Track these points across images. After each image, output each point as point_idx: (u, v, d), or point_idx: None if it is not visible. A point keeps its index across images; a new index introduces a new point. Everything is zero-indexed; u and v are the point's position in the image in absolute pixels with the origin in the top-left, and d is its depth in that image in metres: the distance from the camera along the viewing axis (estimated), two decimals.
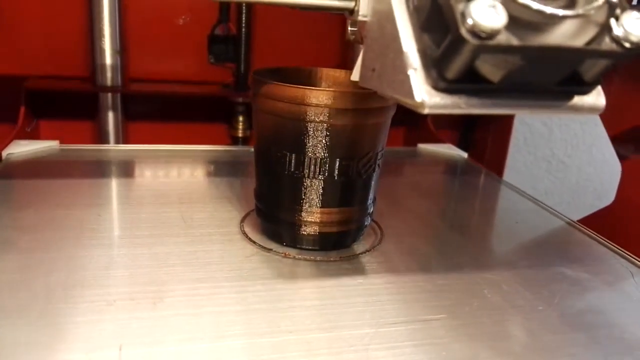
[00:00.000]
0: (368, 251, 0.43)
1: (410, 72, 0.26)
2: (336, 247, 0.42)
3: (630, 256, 0.44)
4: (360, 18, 0.31)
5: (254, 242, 0.42)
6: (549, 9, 0.23)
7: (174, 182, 0.55)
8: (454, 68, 0.24)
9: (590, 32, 0.24)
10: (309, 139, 0.38)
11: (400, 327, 0.33)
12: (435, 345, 0.31)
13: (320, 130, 0.37)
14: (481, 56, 0.23)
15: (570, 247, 0.47)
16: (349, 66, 0.50)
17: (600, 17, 0.24)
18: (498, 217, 0.53)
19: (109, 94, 0.73)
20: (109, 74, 0.71)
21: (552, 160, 1.05)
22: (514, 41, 0.23)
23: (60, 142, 0.64)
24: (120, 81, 0.72)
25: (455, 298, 0.37)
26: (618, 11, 0.24)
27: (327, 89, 0.37)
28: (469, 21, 0.22)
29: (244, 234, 0.44)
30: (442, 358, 0.30)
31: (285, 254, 0.41)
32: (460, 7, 0.22)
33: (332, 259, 0.41)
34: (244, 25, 0.72)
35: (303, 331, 0.32)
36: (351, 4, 0.32)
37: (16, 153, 0.59)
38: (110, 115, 0.74)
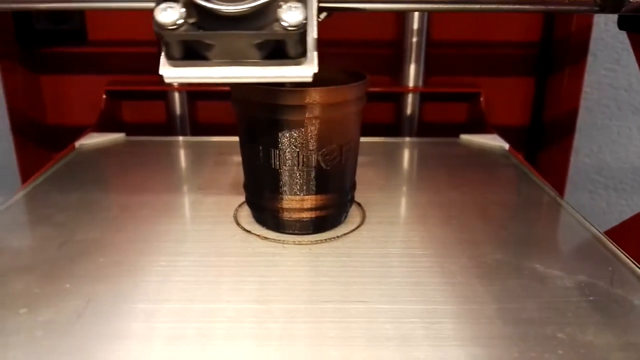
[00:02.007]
0: (344, 235, 0.45)
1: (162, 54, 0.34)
2: (316, 231, 0.45)
3: None
4: None
5: (239, 225, 0.46)
6: (217, 6, 0.31)
7: (219, 170, 0.61)
8: (173, 49, 0.32)
9: (263, 21, 0.32)
10: (277, 134, 0.41)
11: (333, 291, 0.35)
12: None
13: (282, 125, 0.40)
14: (175, 41, 0.32)
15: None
16: None
17: (270, 8, 0.31)
18: (501, 209, 0.52)
19: None
20: None
21: None
22: (192, 31, 0.31)
23: (127, 134, 0.72)
24: None
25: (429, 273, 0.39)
26: (281, 3, 0.31)
27: (282, 88, 0.40)
28: (155, 18, 0.31)
29: (235, 218, 0.48)
30: None
31: (260, 235, 0.44)
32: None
33: (304, 242, 0.44)
34: None
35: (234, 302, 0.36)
36: None
37: (86, 144, 0.68)
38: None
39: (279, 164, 0.42)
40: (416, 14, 0.75)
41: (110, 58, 0.83)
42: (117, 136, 0.71)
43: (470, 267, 0.40)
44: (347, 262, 0.41)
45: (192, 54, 0.33)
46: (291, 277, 0.39)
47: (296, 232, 0.45)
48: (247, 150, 0.44)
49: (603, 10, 0.44)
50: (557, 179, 0.83)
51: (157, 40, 0.74)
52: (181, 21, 0.31)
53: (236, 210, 0.49)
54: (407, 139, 0.77)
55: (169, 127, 0.84)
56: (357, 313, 0.35)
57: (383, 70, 0.82)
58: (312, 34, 0.34)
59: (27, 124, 0.83)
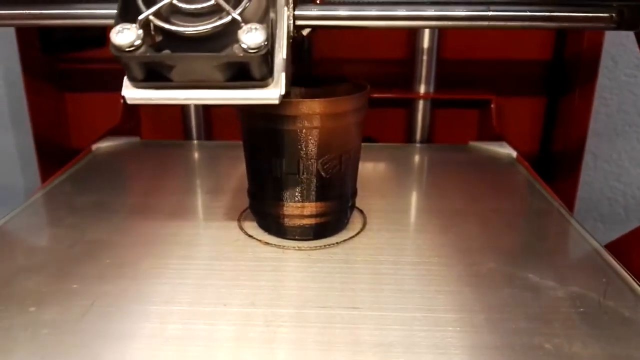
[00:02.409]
0: (344, 241, 0.46)
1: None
2: (316, 237, 0.46)
3: None
4: None
5: (243, 230, 0.47)
6: (176, 27, 0.31)
7: (228, 174, 0.62)
8: (134, 71, 0.33)
9: (224, 42, 0.32)
10: (278, 143, 0.42)
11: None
12: None
13: (283, 135, 0.42)
14: (135, 63, 0.32)
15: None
16: None
17: (230, 30, 0.31)
18: (501, 218, 0.53)
19: None
20: None
21: None
22: (149, 53, 0.31)
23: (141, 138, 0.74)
24: None
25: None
26: (242, 25, 0.31)
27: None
28: (111, 40, 0.31)
29: (239, 222, 0.49)
30: None
31: (262, 240, 0.46)
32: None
33: (303, 248, 0.45)
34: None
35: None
36: None
37: (103, 147, 0.70)
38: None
39: (280, 172, 0.43)
40: (427, 31, 0.75)
41: None
42: (132, 140, 0.73)
43: (464, 276, 0.41)
44: (343, 268, 0.42)
45: (155, 74, 0.33)
46: (287, 282, 0.40)
47: (297, 237, 0.46)
48: (250, 158, 0.45)
49: (620, 27, 0.44)
50: (568, 193, 0.83)
51: None
52: (138, 42, 0.31)
53: (241, 215, 0.50)
54: (415, 145, 0.78)
55: (184, 132, 0.86)
56: (347, 319, 0.36)
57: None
58: (281, 54, 0.34)
59: (48, 131, 0.86)
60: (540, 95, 0.83)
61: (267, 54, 0.31)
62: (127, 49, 0.31)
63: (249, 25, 0.31)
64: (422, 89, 0.78)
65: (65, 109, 0.89)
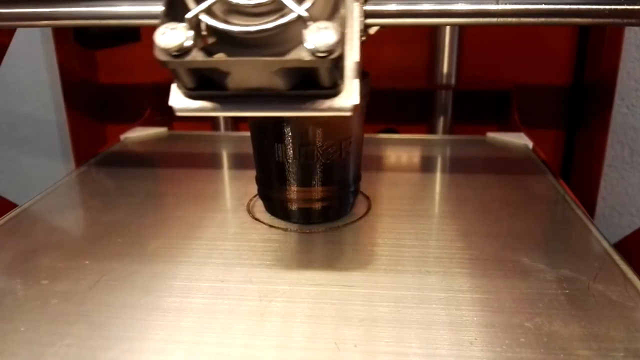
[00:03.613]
0: (346, 225, 0.47)
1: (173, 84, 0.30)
2: (321, 221, 0.48)
3: None
4: None
5: (250, 214, 0.50)
6: (231, 27, 0.27)
7: (246, 163, 0.64)
8: (183, 78, 0.29)
9: (288, 44, 0.27)
10: (280, 129, 0.44)
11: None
12: None
13: (284, 121, 0.43)
14: (182, 69, 0.28)
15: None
16: None
17: (295, 29, 0.27)
18: (504, 205, 0.53)
19: None
20: None
21: None
22: (200, 57, 0.27)
23: (170, 126, 0.77)
24: None
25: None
26: (309, 23, 0.26)
27: None
28: (156, 42, 0.26)
29: (248, 207, 0.51)
30: None
31: (267, 223, 0.48)
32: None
33: (306, 231, 0.46)
34: None
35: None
36: None
37: (131, 137, 0.74)
38: None
39: (284, 157, 0.45)
40: (446, 57, 0.76)
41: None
42: (160, 130, 0.76)
43: (457, 259, 0.42)
44: (341, 249, 0.43)
45: (208, 82, 0.29)
46: (285, 261, 0.42)
47: (302, 221, 0.47)
48: (256, 145, 0.47)
49: None
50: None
51: None
52: (188, 44, 0.26)
53: (250, 200, 0.52)
54: (432, 136, 0.78)
55: (212, 125, 0.89)
56: (338, 295, 0.37)
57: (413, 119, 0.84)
58: (353, 57, 0.29)
59: (84, 120, 0.90)
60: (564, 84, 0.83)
61: (339, 57, 0.26)
62: (175, 53, 0.26)
63: (317, 24, 0.26)
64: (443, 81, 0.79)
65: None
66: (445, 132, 0.82)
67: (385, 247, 0.44)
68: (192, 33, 0.26)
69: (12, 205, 0.53)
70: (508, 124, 0.77)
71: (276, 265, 0.41)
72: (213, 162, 0.67)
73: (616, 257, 0.41)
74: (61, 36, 0.85)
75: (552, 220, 0.51)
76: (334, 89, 0.28)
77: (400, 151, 0.68)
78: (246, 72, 0.27)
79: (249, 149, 0.48)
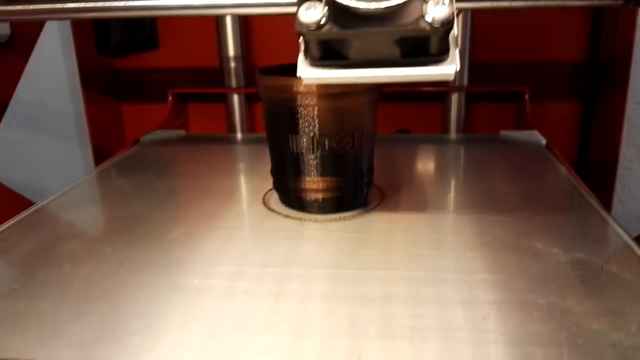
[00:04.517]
0: (359, 214, 0.48)
1: (300, 55, 0.35)
2: (334, 211, 0.48)
3: None
4: None
5: (266, 206, 0.50)
6: (364, 5, 0.31)
7: (261, 161, 0.65)
8: (312, 49, 0.34)
9: (404, 18, 0.31)
10: (294, 120, 0.45)
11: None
12: None
13: (298, 112, 0.44)
14: (315, 41, 0.33)
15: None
16: None
17: (413, 6, 0.31)
18: (516, 198, 0.53)
19: None
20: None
21: None
22: (335, 30, 0.32)
23: (187, 130, 0.79)
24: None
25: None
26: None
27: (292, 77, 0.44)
28: (298, 17, 0.32)
29: (264, 199, 0.52)
30: None
31: (282, 213, 0.48)
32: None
33: (320, 220, 0.47)
34: None
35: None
36: None
37: (150, 138, 0.75)
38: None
39: (298, 148, 0.46)
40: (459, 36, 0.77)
41: (177, 63, 0.91)
42: (177, 133, 0.78)
43: (470, 243, 0.42)
44: (355, 236, 0.44)
45: (330, 53, 0.34)
46: (300, 248, 0.43)
47: (316, 211, 0.48)
48: (272, 137, 0.48)
49: (627, 3, 0.44)
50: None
51: (218, 47, 0.81)
52: (324, 20, 0.31)
53: (266, 194, 0.53)
54: (446, 135, 0.79)
55: (229, 128, 0.90)
56: (352, 277, 0.38)
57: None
58: (453, 31, 0.33)
59: (104, 126, 0.92)
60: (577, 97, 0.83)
61: (450, 28, 0.31)
62: (313, 27, 0.31)
63: (434, 0, 0.31)
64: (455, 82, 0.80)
65: (122, 118, 0.95)
66: (458, 132, 0.83)
67: (399, 233, 0.44)
68: (327, 10, 0.31)
69: (29, 203, 0.54)
70: (521, 123, 0.77)
71: (291, 252, 0.42)
72: (229, 161, 0.69)
73: (631, 243, 0.42)
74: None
75: (566, 210, 0.51)
76: (440, 56, 0.33)
77: (413, 149, 0.69)
78: (370, 42, 0.33)
79: (264, 148, 0.49)
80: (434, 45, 0.32)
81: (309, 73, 0.34)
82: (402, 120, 0.85)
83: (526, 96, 0.77)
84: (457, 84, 0.81)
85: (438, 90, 0.83)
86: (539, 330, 0.32)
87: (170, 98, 0.87)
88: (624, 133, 0.85)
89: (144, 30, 0.89)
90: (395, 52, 0.33)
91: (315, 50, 0.33)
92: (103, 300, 0.36)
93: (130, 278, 0.38)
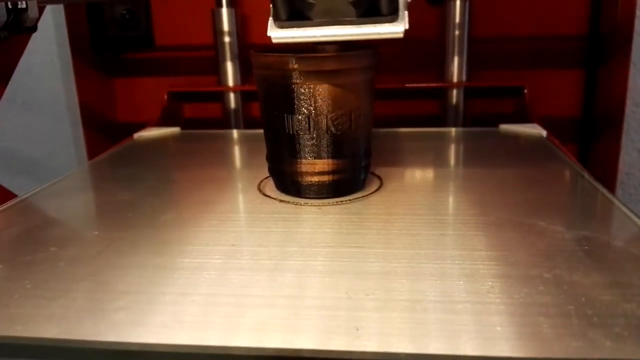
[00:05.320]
0: (358, 199, 0.47)
1: (269, 19, 0.40)
2: (332, 195, 0.47)
3: None
4: None
5: (261, 192, 0.49)
6: None
7: (257, 154, 0.63)
8: (279, 10, 0.38)
9: None
10: (290, 99, 0.44)
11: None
12: None
13: (294, 91, 0.43)
14: (282, 2, 0.37)
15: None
16: None
17: None
18: (518, 181, 0.52)
19: None
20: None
21: None
22: None
23: (182, 129, 0.77)
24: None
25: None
26: None
27: (288, 54, 0.43)
28: None
29: (259, 186, 0.51)
30: None
31: (277, 199, 0.47)
32: None
33: (316, 204, 0.46)
34: None
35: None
36: None
37: (144, 135, 0.74)
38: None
39: (293, 128, 0.45)
40: (458, 7, 0.76)
41: (173, 61, 0.90)
42: (173, 130, 0.76)
43: (471, 223, 0.41)
44: (353, 218, 0.43)
45: (296, 15, 0.38)
46: (296, 229, 0.41)
47: (313, 195, 0.47)
48: (267, 118, 0.47)
49: None
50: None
51: (214, 44, 0.81)
52: None
53: (261, 182, 0.52)
54: (446, 129, 0.78)
55: (224, 125, 0.89)
56: (349, 254, 0.36)
57: (427, 67, 0.84)
58: None
59: (97, 121, 0.91)
60: (579, 68, 0.82)
61: None
62: None
63: None
64: (455, 65, 0.79)
65: (114, 95, 0.94)
66: (457, 126, 0.82)
67: (398, 215, 0.43)
68: None
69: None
70: (521, 118, 0.76)
71: (287, 232, 0.41)
72: (224, 154, 0.67)
73: (638, 221, 0.40)
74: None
75: (569, 191, 0.50)
76: (391, 16, 0.37)
77: (413, 142, 0.67)
78: (329, 3, 0.38)
79: (260, 144, 0.48)
80: (384, 6, 0.37)
81: (277, 33, 0.39)
82: (401, 118, 0.84)
83: (525, 91, 0.76)
84: (456, 80, 0.80)
85: (436, 87, 0.82)
86: (545, 301, 0.30)
87: (165, 97, 0.86)
88: (624, 134, 0.84)
89: (140, 28, 0.89)
90: (352, 11, 0.38)
91: (282, 12, 0.38)
92: (89, 279, 0.34)
93: (120, 259, 0.37)
